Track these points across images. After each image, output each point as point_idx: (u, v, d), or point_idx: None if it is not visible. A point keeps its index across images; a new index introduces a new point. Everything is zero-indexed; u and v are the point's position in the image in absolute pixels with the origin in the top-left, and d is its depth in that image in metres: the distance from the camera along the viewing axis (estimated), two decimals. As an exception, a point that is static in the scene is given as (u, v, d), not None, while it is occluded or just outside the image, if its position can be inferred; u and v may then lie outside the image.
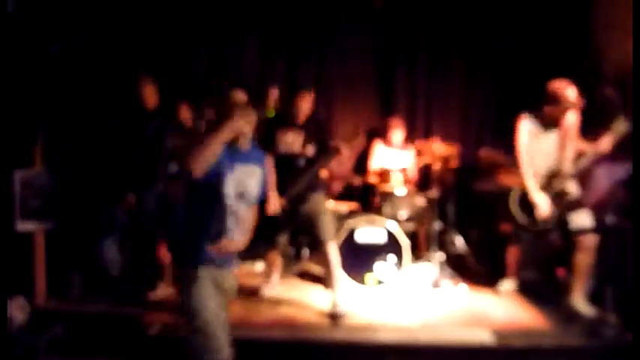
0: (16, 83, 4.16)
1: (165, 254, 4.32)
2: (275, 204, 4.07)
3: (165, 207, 4.11)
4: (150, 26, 5.24)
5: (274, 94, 5.27)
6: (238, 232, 2.57)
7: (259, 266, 5.13)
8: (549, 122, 4.09)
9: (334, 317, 3.94)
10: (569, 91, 3.96)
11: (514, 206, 4.15)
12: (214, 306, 2.52)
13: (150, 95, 4.20)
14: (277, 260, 4.48)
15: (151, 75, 4.27)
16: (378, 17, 5.44)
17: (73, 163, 4.64)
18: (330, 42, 5.62)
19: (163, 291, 4.37)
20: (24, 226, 4.12)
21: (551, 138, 4.11)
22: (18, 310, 4.00)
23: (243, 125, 2.46)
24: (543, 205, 4.02)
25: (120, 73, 4.89)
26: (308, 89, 4.20)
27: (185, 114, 4.29)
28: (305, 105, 4.16)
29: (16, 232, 4.09)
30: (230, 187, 2.49)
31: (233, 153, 2.50)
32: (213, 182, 2.45)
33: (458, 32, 5.51)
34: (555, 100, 3.99)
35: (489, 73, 5.55)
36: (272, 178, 4.08)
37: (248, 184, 2.57)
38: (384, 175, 5.03)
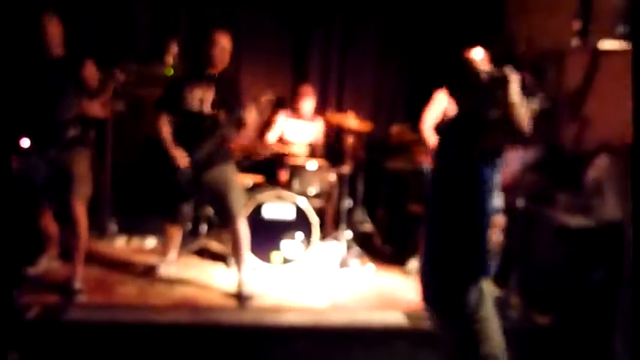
0: None
1: (50, 224, 3.94)
2: (183, 158, 3.81)
3: (58, 175, 3.68)
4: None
5: (174, 49, 4.95)
6: None
7: (150, 242, 4.86)
8: None
9: (240, 298, 3.82)
10: (474, 52, 4.00)
11: (426, 186, 4.24)
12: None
13: (55, 36, 3.55)
14: (177, 235, 4.24)
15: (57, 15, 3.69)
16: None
17: None
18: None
19: (46, 265, 4.03)
20: None
21: None
22: None
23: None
24: None
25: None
26: (225, 29, 3.93)
27: (90, 72, 3.75)
28: (226, 45, 3.86)
29: None
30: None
31: None
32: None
33: (372, 7, 5.48)
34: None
35: (403, 50, 5.59)
36: (168, 137, 3.86)
37: None
38: (283, 147, 4.97)
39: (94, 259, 4.33)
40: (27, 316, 3.43)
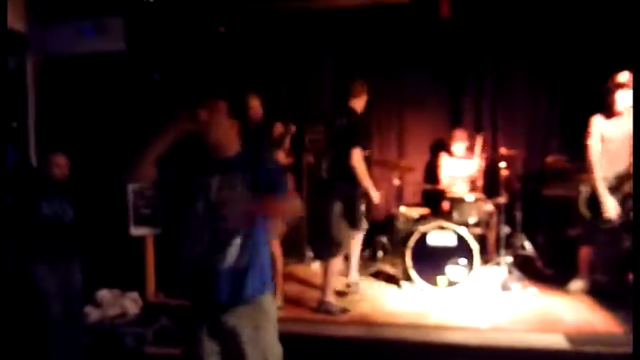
0: (127, 107, 4.17)
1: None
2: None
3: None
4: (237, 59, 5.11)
5: None
6: (225, 250, 1.89)
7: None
8: (612, 112, 3.68)
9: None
10: (620, 75, 3.58)
11: (582, 205, 3.68)
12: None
13: (256, 110, 3.83)
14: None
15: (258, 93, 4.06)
16: (446, 30, 4.94)
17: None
18: (401, 58, 5.21)
19: None
20: (137, 231, 4.10)
21: (619, 131, 3.63)
22: (132, 304, 3.97)
23: (186, 127, 1.88)
24: (611, 207, 3.53)
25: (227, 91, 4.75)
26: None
27: (278, 131, 4.04)
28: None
29: (130, 237, 4.08)
30: (201, 199, 1.92)
31: (209, 163, 1.96)
32: (182, 196, 1.96)
33: (522, 42, 4.93)
34: (609, 84, 3.65)
35: (553, 82, 4.94)
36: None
37: (228, 194, 1.91)
38: (451, 183, 4.63)
39: (293, 280, 4.47)
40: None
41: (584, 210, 3.71)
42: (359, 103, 3.96)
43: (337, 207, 3.72)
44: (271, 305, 2.00)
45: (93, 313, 3.78)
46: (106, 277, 4.06)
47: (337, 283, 4.06)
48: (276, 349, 1.98)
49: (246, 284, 1.89)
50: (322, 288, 3.79)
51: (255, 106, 3.86)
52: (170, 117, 1.89)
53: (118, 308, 3.87)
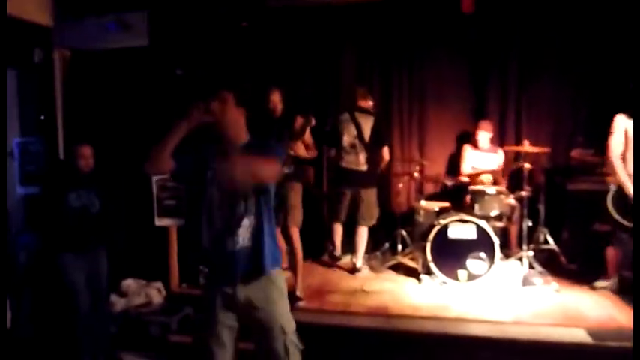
0: (151, 100, 4.27)
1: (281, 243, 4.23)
2: None
3: (279, 205, 3.96)
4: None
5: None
6: (236, 232, 2.05)
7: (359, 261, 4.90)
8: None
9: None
10: None
11: (610, 204, 3.65)
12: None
13: (277, 102, 3.97)
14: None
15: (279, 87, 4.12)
16: (470, 23, 4.88)
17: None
18: (422, 50, 5.20)
19: None
20: (161, 222, 4.21)
21: None
22: (157, 293, 4.09)
23: (198, 118, 2.00)
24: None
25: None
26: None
27: (298, 123, 4.09)
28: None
29: (155, 228, 4.19)
30: (214, 185, 2.05)
31: (221, 151, 2.06)
32: (199, 185, 2.09)
33: (548, 36, 4.86)
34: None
35: (580, 76, 4.85)
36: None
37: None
38: (474, 176, 4.62)
39: (313, 272, 4.54)
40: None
41: (611, 209, 3.68)
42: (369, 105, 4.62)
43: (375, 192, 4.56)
44: (282, 280, 2.17)
45: (119, 302, 3.91)
46: (131, 267, 4.19)
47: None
48: (290, 321, 2.15)
49: (257, 261, 2.05)
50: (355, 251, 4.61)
51: (276, 99, 3.96)
52: (183, 110, 2.01)
53: (143, 297, 4.00)
